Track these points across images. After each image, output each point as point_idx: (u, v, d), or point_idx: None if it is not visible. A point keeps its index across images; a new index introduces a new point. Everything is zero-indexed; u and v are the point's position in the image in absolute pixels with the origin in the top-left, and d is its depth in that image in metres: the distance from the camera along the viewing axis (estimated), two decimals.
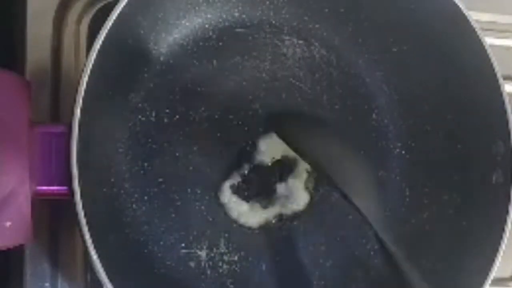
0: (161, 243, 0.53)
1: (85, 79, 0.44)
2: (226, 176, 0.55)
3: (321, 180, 0.55)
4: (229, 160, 0.55)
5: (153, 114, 0.54)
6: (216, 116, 0.55)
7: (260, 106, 0.55)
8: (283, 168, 0.54)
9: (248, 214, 0.55)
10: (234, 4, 0.56)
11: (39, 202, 0.48)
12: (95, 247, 0.43)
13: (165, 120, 0.54)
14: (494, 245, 0.49)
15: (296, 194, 0.55)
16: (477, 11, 0.60)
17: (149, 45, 0.53)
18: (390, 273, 0.48)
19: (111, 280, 0.44)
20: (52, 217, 0.54)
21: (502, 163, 0.51)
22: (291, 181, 0.54)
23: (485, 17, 0.66)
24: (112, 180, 0.51)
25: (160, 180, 0.53)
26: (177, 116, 0.54)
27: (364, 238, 0.55)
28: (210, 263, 0.53)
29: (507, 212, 0.49)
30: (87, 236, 0.43)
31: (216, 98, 0.55)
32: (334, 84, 0.57)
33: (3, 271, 0.53)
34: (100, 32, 0.45)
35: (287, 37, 0.57)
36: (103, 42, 0.45)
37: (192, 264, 0.53)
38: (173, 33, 0.55)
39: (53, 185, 0.47)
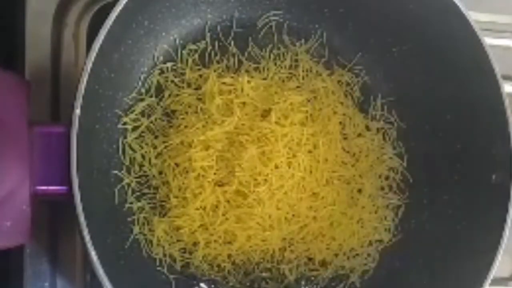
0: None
1: (85, 78, 0.44)
2: None
3: None
4: None
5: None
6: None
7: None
8: None
9: None
10: (234, 4, 0.56)
11: (39, 202, 0.48)
12: (95, 247, 0.43)
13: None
14: (494, 245, 0.49)
15: None
16: (476, 11, 0.60)
17: (149, 45, 0.53)
18: None
19: (111, 280, 0.44)
20: (52, 217, 0.54)
21: (502, 163, 0.51)
22: None
23: (484, 17, 0.66)
24: (112, 180, 0.51)
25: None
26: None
27: None
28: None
29: (507, 212, 0.50)
30: (87, 236, 0.43)
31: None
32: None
33: (3, 271, 0.53)
34: (100, 32, 0.45)
35: (287, 37, 0.57)
36: (103, 42, 0.45)
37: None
38: (173, 33, 0.55)
39: (53, 185, 0.47)
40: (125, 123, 0.52)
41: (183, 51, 0.55)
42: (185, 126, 0.53)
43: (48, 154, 0.47)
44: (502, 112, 0.51)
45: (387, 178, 0.57)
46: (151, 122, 0.53)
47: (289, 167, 0.52)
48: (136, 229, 0.52)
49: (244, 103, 0.54)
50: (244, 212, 0.52)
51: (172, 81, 0.54)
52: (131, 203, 0.52)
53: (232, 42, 0.56)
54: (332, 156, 0.54)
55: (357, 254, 0.55)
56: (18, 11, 0.55)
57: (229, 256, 0.53)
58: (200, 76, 0.55)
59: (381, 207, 0.56)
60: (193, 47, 0.55)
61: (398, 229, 0.56)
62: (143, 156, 0.52)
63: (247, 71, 0.55)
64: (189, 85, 0.54)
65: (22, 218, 0.46)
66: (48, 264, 0.53)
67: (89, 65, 0.45)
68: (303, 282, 0.55)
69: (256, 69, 0.56)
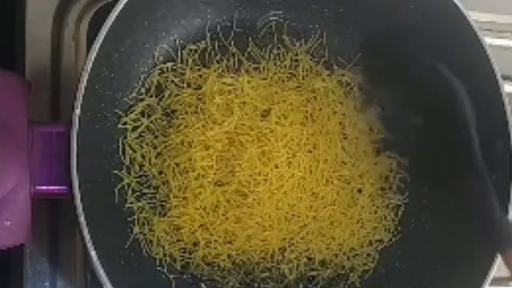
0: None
1: (85, 78, 0.44)
2: None
3: None
4: None
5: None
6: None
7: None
8: None
9: None
10: (234, 4, 0.56)
11: (39, 202, 0.48)
12: (95, 247, 0.43)
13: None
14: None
15: None
16: (476, 11, 0.60)
17: (149, 45, 0.53)
18: None
19: (111, 280, 0.44)
20: (52, 217, 0.54)
21: (502, 163, 0.51)
22: None
23: (483, 17, 0.66)
24: (112, 180, 0.51)
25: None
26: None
27: None
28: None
29: (507, 212, 0.50)
30: (87, 236, 0.43)
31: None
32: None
33: (3, 271, 0.53)
34: (100, 32, 0.46)
35: (287, 37, 0.57)
36: (103, 42, 0.45)
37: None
38: (173, 33, 0.55)
39: (53, 185, 0.47)
40: (125, 123, 0.52)
41: (183, 51, 0.55)
42: (185, 126, 0.53)
43: (48, 154, 0.47)
44: (502, 112, 0.51)
45: (387, 178, 0.57)
46: (151, 122, 0.53)
47: (289, 167, 0.53)
48: (136, 229, 0.52)
49: (244, 103, 0.54)
50: (244, 212, 0.52)
51: (172, 81, 0.54)
52: (131, 203, 0.52)
53: (232, 42, 0.56)
54: (332, 156, 0.54)
55: (357, 254, 0.55)
56: (18, 11, 0.55)
57: (229, 256, 0.53)
58: (200, 76, 0.55)
59: (381, 207, 0.56)
60: (193, 47, 0.55)
61: (398, 229, 0.56)
62: (143, 156, 0.53)
63: (247, 71, 0.55)
64: (189, 85, 0.55)
65: (22, 218, 0.46)
66: (48, 264, 0.53)
67: (89, 65, 0.45)
68: (303, 282, 0.55)
69: (256, 69, 0.56)
